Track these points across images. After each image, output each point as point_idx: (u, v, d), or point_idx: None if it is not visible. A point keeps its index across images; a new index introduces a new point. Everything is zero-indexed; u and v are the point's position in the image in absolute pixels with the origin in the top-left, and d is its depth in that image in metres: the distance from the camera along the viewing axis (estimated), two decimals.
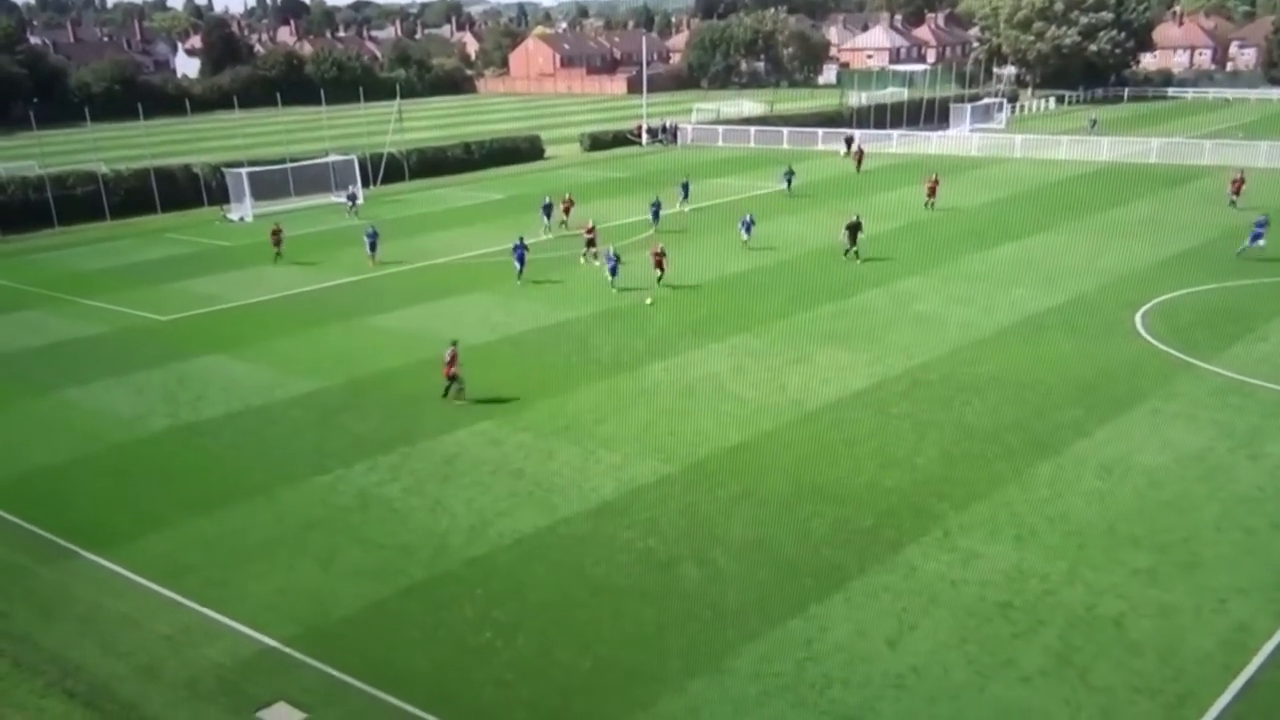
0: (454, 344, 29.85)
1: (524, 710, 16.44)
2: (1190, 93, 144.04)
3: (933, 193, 58.22)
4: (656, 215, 53.61)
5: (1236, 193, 56.34)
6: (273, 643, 18.35)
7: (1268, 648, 17.26)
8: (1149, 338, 33.80)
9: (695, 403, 29.58)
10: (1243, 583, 19.27)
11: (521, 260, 42.92)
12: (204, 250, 54.11)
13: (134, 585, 20.52)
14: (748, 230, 48.61)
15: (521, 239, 43.53)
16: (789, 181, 65.31)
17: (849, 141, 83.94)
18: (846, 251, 45.51)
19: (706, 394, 30.16)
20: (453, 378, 29.55)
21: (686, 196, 60.72)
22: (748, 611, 18.97)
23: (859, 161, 75.49)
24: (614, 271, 41.29)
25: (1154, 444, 25.59)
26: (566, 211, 54.55)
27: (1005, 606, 18.78)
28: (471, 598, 19.74)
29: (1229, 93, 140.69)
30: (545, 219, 53.97)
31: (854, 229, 45.39)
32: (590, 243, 46.37)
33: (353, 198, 62.85)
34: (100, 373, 33.67)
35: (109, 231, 60.41)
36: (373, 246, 47.69)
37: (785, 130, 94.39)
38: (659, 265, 41.25)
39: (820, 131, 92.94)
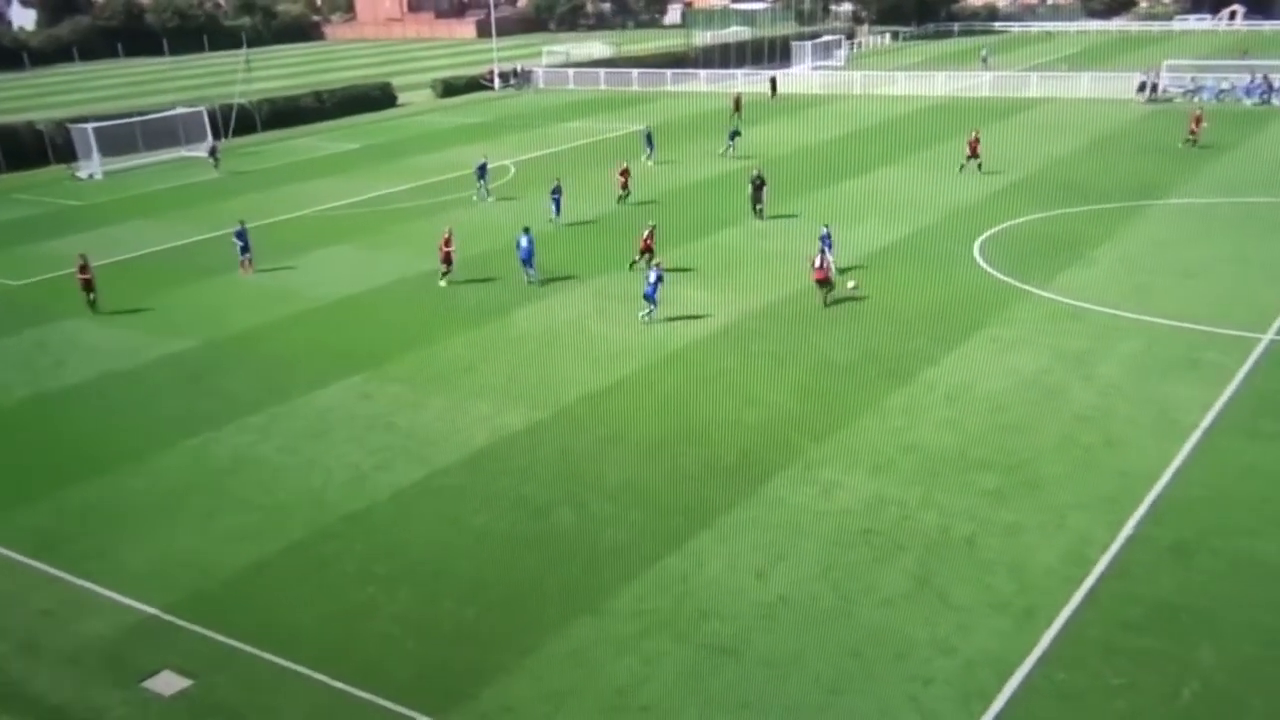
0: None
1: (411, 663, 16.75)
2: (1015, 26, 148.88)
3: (974, 151, 50.08)
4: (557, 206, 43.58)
5: (1195, 130, 53.63)
6: (154, 611, 18.25)
7: (1105, 559, 18.64)
8: (987, 267, 35.44)
9: (561, 348, 30.02)
10: (1081, 498, 20.72)
11: (655, 290, 31.09)
12: (55, 210, 52.16)
13: (8, 561, 20.13)
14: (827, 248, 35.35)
15: (658, 265, 32.30)
16: (733, 143, 56.99)
17: (774, 83, 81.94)
18: (756, 209, 43.15)
19: (572, 338, 30.63)
20: (825, 281, 31.77)
21: (652, 149, 56.13)
22: (623, 552, 19.59)
23: (737, 105, 70.16)
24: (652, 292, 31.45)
25: (996, 369, 27.04)
26: (624, 185, 46.73)
27: (866, 534, 19.81)
28: (352, 553, 19.91)
29: (1050, 26, 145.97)
30: (480, 181, 48.68)
31: (758, 185, 43.29)
32: (646, 250, 35.66)
33: (214, 152, 61.53)
34: None
35: None
36: (244, 249, 38.74)
37: (634, 72, 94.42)
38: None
39: (669, 73, 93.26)
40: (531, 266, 35.37)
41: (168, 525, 21.24)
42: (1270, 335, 28.36)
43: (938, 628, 17.00)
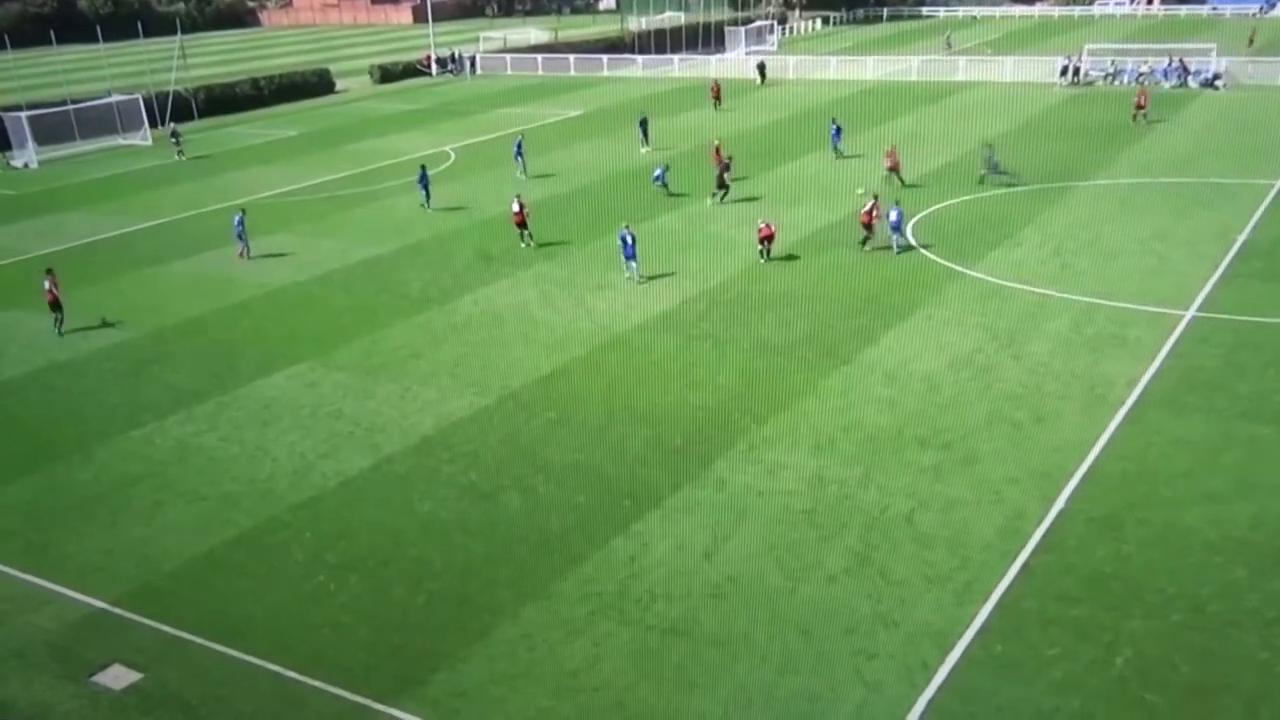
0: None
1: (362, 650, 16.81)
2: (942, 11, 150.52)
3: (895, 168, 45.06)
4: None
5: (1140, 107, 55.81)
6: (102, 604, 18.14)
7: (1039, 532, 19.22)
8: (919, 248, 36.09)
9: (506, 333, 30.19)
10: (1015, 473, 21.30)
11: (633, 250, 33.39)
12: None
13: None
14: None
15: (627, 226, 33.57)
16: (838, 136, 52.25)
17: (762, 69, 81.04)
18: (714, 195, 43.32)
19: (516, 324, 30.80)
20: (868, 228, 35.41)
21: (647, 138, 55.42)
22: (571, 535, 19.81)
23: (717, 96, 69.08)
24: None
25: (931, 349, 27.62)
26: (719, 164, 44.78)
27: (809, 513, 20.22)
28: (301, 542, 19.93)
29: (976, 10, 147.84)
30: (519, 159, 50.10)
31: (724, 167, 43.55)
32: (767, 238, 35.41)
33: (177, 137, 60.91)
34: None
35: None
36: (241, 235, 38.63)
37: (571, 57, 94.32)
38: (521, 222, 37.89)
39: (605, 58, 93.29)
40: (428, 195, 43.84)
41: (114, 517, 21.09)
42: (1192, 311, 29.27)
43: (880, 603, 17.41)
